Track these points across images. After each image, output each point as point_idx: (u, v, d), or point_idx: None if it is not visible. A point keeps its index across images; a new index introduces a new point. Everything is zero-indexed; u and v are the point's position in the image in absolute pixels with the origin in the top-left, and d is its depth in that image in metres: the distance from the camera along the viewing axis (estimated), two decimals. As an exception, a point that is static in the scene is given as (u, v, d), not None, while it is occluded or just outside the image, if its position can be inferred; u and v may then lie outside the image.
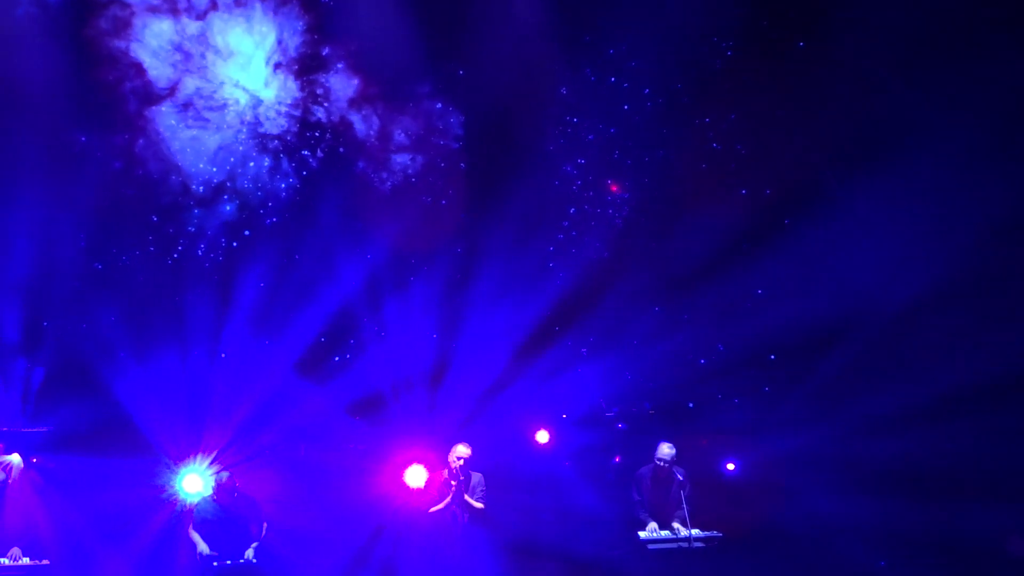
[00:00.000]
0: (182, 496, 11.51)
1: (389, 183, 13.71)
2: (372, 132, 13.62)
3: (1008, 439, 11.67)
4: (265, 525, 11.01)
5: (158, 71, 12.97)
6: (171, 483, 11.67)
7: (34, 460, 11.47)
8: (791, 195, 13.07)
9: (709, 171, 13.56)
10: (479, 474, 11.28)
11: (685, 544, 10.92)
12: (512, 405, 13.24)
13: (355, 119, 13.57)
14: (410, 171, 13.71)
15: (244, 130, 13.37)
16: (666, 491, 11.41)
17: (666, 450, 11.41)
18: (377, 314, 13.59)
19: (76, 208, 12.80)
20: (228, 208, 13.41)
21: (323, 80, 13.56)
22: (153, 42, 12.88)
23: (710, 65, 13.33)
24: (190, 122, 13.15)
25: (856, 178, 12.78)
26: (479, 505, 11.11)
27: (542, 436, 12.94)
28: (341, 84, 13.55)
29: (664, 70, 13.40)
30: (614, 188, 13.89)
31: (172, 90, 13.06)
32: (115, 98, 12.91)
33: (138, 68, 12.90)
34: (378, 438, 12.91)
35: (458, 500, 11.02)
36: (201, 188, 13.30)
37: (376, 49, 13.38)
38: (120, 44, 12.77)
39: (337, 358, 13.58)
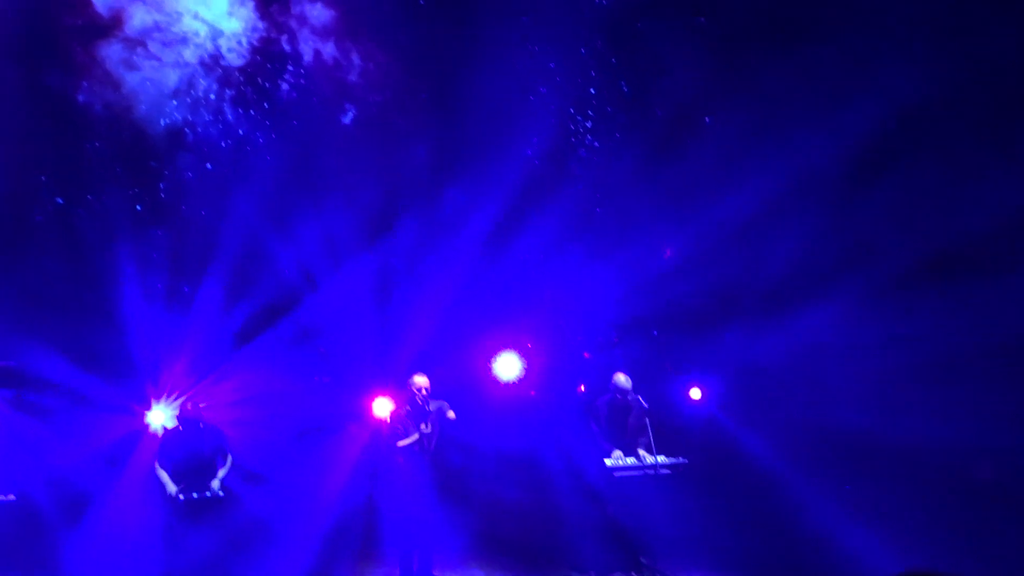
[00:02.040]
0: (150, 428, 11.53)
1: (352, 115, 13.55)
2: (338, 63, 13.44)
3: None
4: (230, 457, 11.03)
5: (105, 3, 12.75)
6: (137, 416, 11.66)
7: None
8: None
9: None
10: (443, 401, 11.26)
11: (651, 471, 10.98)
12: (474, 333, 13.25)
13: (322, 49, 13.39)
14: (372, 102, 13.56)
15: (203, 65, 13.17)
16: (624, 420, 11.45)
17: (622, 380, 11.42)
18: (338, 246, 13.49)
19: (34, 147, 12.63)
20: (189, 145, 13.26)
21: (292, 9, 13.35)
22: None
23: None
24: (145, 59, 12.95)
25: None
26: (451, 414, 11.05)
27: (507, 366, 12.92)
28: (310, 13, 13.35)
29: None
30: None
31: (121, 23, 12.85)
32: (61, 35, 12.69)
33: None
34: (346, 369, 12.92)
35: (426, 431, 11.02)
36: (160, 128, 13.16)
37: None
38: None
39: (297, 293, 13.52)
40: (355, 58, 13.56)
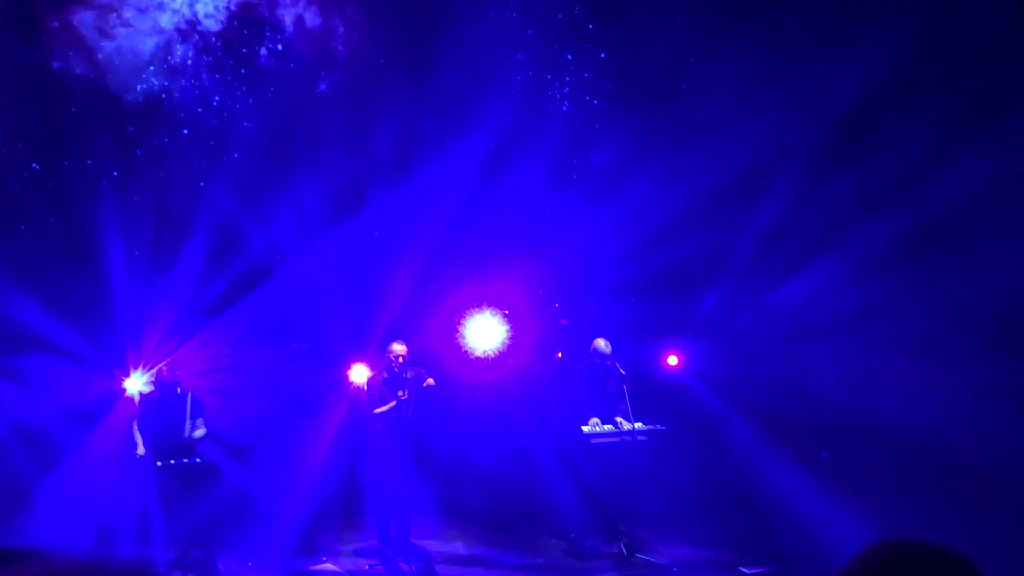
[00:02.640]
0: (127, 393, 11.48)
1: (329, 82, 13.48)
2: (318, 29, 13.35)
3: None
4: (202, 422, 10.96)
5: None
6: (116, 381, 11.61)
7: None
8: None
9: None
10: (422, 368, 11.26)
11: (628, 438, 11.01)
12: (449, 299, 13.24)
13: (304, 16, 13.31)
14: (350, 70, 13.49)
15: (180, 31, 13.07)
16: (603, 386, 11.47)
17: (602, 345, 11.44)
18: (315, 214, 13.46)
19: (8, 113, 12.53)
20: (165, 112, 13.18)
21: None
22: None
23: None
24: (120, 26, 12.84)
25: None
26: (430, 380, 11.05)
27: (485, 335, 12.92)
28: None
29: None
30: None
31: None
32: (35, 2, 12.59)
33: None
34: (323, 336, 12.91)
35: (404, 398, 11.03)
36: (137, 93, 13.06)
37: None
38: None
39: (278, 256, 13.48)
40: (336, 24, 13.48)
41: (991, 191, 11.20)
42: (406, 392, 10.95)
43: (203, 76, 13.27)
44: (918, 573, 1.88)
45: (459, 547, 11.69)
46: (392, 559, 10.95)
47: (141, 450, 10.53)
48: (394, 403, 10.97)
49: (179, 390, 10.97)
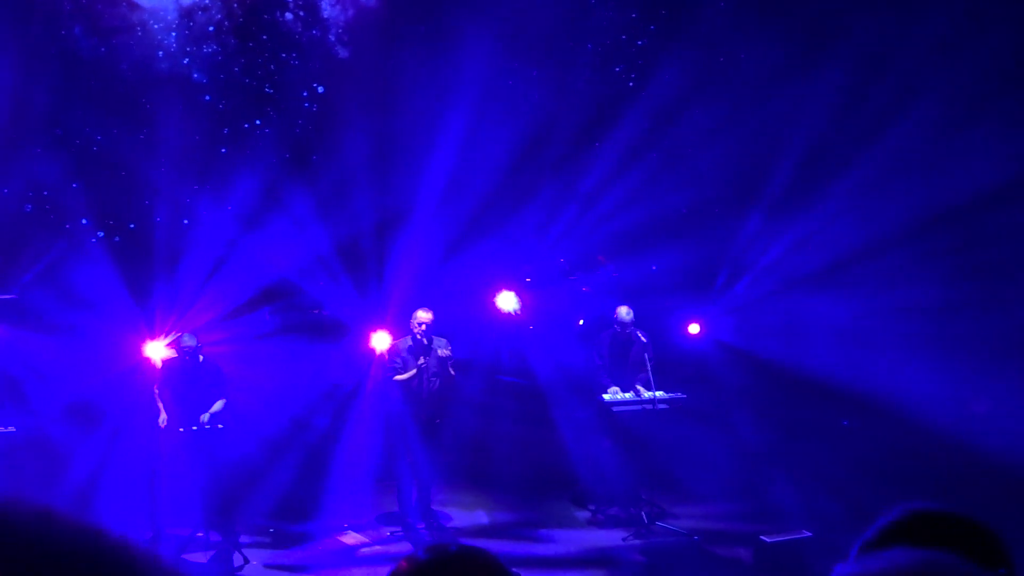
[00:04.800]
0: (150, 359, 11.47)
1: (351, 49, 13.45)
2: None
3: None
4: (225, 393, 10.96)
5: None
6: (139, 348, 11.60)
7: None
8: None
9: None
10: (443, 338, 11.25)
11: (649, 406, 10.98)
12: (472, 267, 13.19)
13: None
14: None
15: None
16: (625, 354, 11.43)
17: (623, 312, 11.37)
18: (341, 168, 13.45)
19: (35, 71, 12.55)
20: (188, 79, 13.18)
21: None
22: None
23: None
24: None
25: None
26: (445, 351, 11.10)
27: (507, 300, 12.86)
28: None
29: None
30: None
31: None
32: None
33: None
34: (344, 303, 12.91)
35: (426, 366, 11.03)
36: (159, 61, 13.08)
37: None
38: None
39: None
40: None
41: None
42: (425, 359, 10.96)
43: (226, 42, 13.23)
44: (944, 539, 1.85)
45: (480, 515, 11.73)
46: (413, 526, 10.99)
47: (164, 417, 10.54)
48: (415, 371, 10.98)
49: (201, 358, 10.94)
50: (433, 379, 11.09)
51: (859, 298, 12.28)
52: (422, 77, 13.26)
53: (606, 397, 11.17)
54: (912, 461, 10.63)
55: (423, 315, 11.03)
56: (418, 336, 10.99)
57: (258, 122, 13.50)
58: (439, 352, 11.04)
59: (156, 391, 10.72)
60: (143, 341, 11.22)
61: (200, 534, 10.25)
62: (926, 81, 11.93)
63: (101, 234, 13.07)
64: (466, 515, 11.70)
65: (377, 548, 10.63)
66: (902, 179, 12.28)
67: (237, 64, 13.37)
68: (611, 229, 13.49)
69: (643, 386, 11.08)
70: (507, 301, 12.73)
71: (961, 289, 11.51)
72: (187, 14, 13.14)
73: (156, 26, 13.04)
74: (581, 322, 13.59)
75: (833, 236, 12.57)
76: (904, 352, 11.66)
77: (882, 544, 1.92)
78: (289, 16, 13.41)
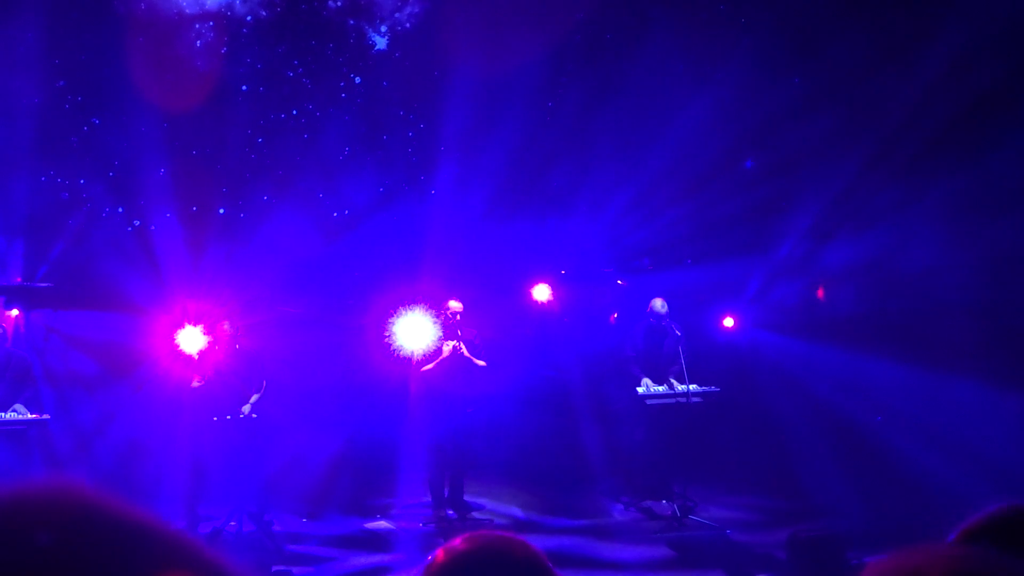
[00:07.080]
0: (185, 350, 11.52)
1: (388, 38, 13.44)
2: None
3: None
4: (265, 382, 11.01)
5: None
6: (174, 337, 11.65)
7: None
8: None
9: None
10: (473, 329, 11.27)
11: (683, 399, 10.95)
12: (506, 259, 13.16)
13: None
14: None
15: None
16: (659, 346, 11.40)
17: (658, 305, 11.35)
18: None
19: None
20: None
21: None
22: None
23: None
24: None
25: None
26: (481, 363, 11.13)
27: (541, 292, 12.83)
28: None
29: None
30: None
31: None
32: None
33: None
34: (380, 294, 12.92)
35: (457, 357, 11.04)
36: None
37: None
38: None
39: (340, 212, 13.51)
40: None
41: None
42: (451, 347, 10.97)
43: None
44: None
45: (512, 506, 11.72)
46: (445, 518, 11.01)
47: (200, 408, 10.59)
48: (441, 360, 10.99)
49: (238, 347, 10.99)
50: (461, 369, 11.09)
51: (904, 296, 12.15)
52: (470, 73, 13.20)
53: (640, 390, 11.14)
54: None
55: (454, 305, 11.09)
56: (451, 327, 11.01)
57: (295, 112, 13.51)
58: (467, 345, 11.05)
59: (197, 381, 10.75)
60: (178, 331, 11.25)
61: (233, 523, 10.29)
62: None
63: (137, 223, 13.12)
64: (498, 506, 11.70)
65: (409, 538, 10.64)
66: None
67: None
68: (653, 228, 13.41)
69: (676, 379, 11.06)
70: (542, 293, 12.73)
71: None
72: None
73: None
74: (615, 316, 13.54)
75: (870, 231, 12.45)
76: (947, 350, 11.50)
77: (974, 538, 1.87)
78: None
